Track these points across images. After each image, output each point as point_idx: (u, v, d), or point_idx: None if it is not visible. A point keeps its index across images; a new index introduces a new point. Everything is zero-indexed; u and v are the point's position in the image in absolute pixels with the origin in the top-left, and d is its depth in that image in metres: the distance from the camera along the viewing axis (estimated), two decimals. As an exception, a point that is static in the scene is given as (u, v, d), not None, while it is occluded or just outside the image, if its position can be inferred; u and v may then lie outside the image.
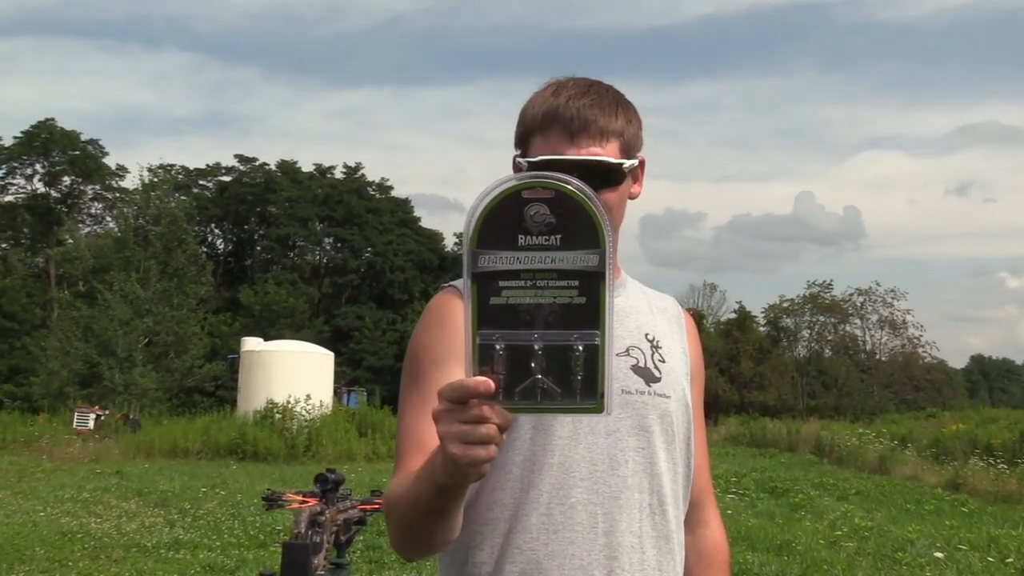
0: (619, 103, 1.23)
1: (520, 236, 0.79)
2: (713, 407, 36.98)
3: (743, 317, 40.84)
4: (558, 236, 0.79)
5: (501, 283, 0.79)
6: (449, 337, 1.16)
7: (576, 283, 0.79)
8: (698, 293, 46.04)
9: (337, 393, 20.90)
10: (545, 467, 1.15)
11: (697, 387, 1.32)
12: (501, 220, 0.79)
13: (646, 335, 1.26)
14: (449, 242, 45.61)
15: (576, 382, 0.79)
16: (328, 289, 44.52)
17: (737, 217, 79.96)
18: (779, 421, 26.73)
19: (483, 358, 0.79)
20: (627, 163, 1.22)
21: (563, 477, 1.15)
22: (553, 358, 0.79)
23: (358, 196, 43.72)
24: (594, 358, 0.79)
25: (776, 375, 39.66)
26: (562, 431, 1.16)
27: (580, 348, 0.79)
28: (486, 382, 0.79)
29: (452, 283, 1.24)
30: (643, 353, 1.24)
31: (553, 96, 1.22)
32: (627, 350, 1.22)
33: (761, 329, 42.90)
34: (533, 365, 0.79)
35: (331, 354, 19.09)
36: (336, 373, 19.88)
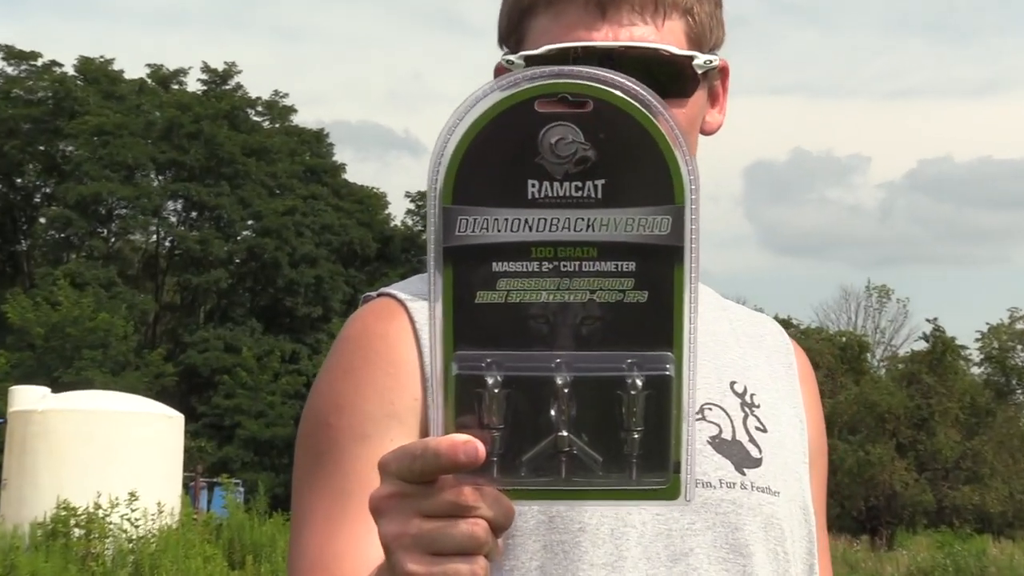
0: None
1: (531, 183, 0.82)
2: (884, 514, 37.21)
3: (942, 348, 40.75)
4: (599, 182, 0.82)
5: (496, 266, 0.83)
6: (384, 386, 1.25)
7: (632, 266, 0.83)
8: (856, 302, 46.95)
9: (190, 489, 21.19)
10: None
11: (818, 475, 1.43)
12: (497, 154, 0.82)
13: (732, 384, 1.36)
14: (397, 209, 46.71)
15: (631, 443, 0.83)
16: (174, 296, 44.96)
17: (927, 164, 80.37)
18: (1010, 543, 26.70)
19: (463, 401, 0.83)
20: (703, 57, 1.30)
21: None
22: (590, 401, 0.83)
23: (230, 125, 43.93)
24: (664, 401, 0.83)
25: (1004, 456, 39.66)
26: (595, 551, 1.23)
27: (639, 383, 0.82)
28: (469, 444, 0.81)
29: (389, 288, 1.33)
30: (728, 417, 1.33)
31: None
32: (700, 411, 1.31)
33: (975, 371, 43.39)
34: (554, 413, 0.82)
35: (179, 416, 19.30)
36: (189, 452, 20.51)
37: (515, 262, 0.83)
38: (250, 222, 43.75)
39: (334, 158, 47.89)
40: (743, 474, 1.29)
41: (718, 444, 1.29)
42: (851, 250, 76.92)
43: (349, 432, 1.23)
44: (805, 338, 40.81)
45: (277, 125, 47.02)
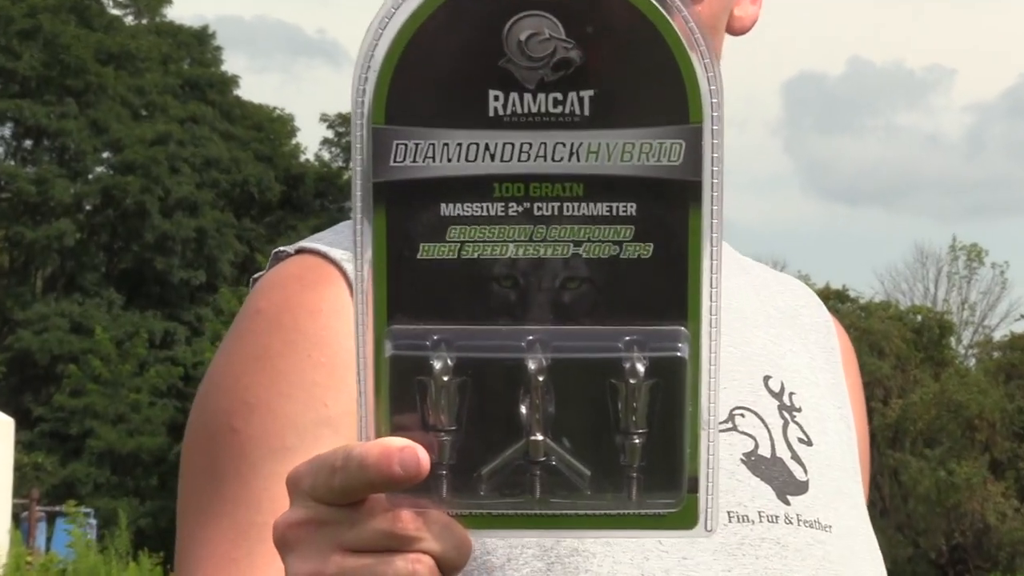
0: None
1: (494, 95, 0.86)
2: (974, 555, 36.94)
3: (1051, 331, 40.72)
4: (586, 94, 0.85)
5: (446, 208, 0.86)
6: (314, 380, 1.31)
7: (631, 209, 0.86)
8: (936, 268, 46.36)
9: (22, 521, 21.63)
10: None
11: (864, 496, 1.54)
12: (445, 56, 0.86)
13: (766, 380, 1.44)
14: (310, 138, 46.63)
15: (631, 451, 0.86)
16: (1, 257, 44.86)
17: None
18: None
19: (401, 392, 0.87)
20: None
21: None
22: (574, 394, 0.86)
23: (78, 21, 44.15)
24: (676, 394, 0.86)
25: None
26: None
27: (641, 368, 0.85)
28: (407, 451, 0.85)
29: (313, 242, 1.41)
30: (764, 425, 1.41)
31: None
32: (730, 417, 1.39)
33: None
34: (525, 410, 0.86)
35: (8, 421, 19.77)
36: (21, 470, 20.93)
37: (472, 203, 0.84)
38: (106, 154, 43.97)
39: (222, 67, 48.02)
40: (787, 503, 1.34)
41: (755, 463, 1.33)
42: (929, 196, 77.04)
43: (263, 442, 1.26)
44: (867, 316, 40.93)
45: (144, 22, 47.03)
